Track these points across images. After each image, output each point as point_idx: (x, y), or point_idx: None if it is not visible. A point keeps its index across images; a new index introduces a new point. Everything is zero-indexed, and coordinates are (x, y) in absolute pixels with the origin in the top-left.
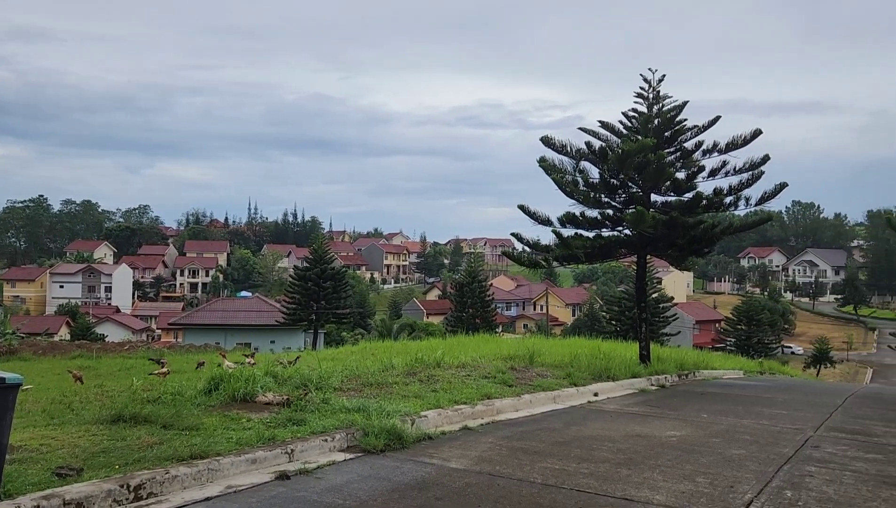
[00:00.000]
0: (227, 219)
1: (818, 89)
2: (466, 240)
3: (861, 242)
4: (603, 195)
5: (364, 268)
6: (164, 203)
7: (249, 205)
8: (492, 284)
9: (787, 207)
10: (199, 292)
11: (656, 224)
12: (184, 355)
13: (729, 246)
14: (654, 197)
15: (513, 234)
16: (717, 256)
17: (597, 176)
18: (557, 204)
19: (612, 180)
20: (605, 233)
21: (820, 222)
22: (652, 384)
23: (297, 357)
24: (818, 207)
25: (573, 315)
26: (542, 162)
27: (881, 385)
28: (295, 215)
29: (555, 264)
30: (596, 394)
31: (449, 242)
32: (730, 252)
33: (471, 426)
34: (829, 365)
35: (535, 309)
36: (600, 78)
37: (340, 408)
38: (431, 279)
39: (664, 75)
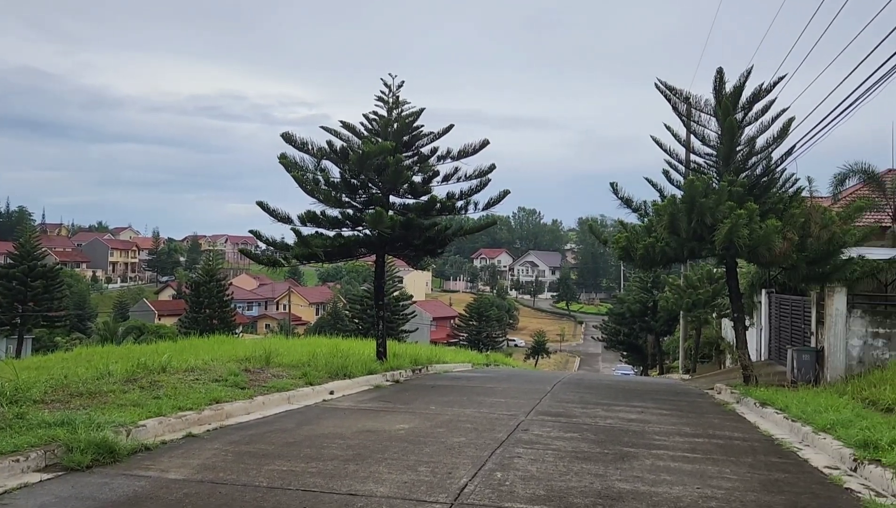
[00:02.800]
0: None
1: (541, 107)
2: (206, 237)
3: (573, 245)
4: (344, 195)
5: (85, 265)
6: None
7: None
8: (231, 283)
9: (513, 212)
10: None
11: (394, 225)
12: None
13: (464, 247)
14: (393, 199)
15: (251, 231)
16: (454, 256)
17: (338, 176)
18: (305, 202)
19: (352, 181)
20: (346, 232)
21: (540, 226)
22: (387, 380)
23: None
24: (539, 213)
25: (317, 314)
26: (283, 159)
27: (584, 372)
28: None
29: (294, 262)
30: (332, 392)
31: (186, 238)
32: (464, 253)
33: (196, 433)
34: (545, 356)
35: (278, 309)
36: (348, 79)
37: (39, 423)
38: (165, 278)
39: (403, 81)
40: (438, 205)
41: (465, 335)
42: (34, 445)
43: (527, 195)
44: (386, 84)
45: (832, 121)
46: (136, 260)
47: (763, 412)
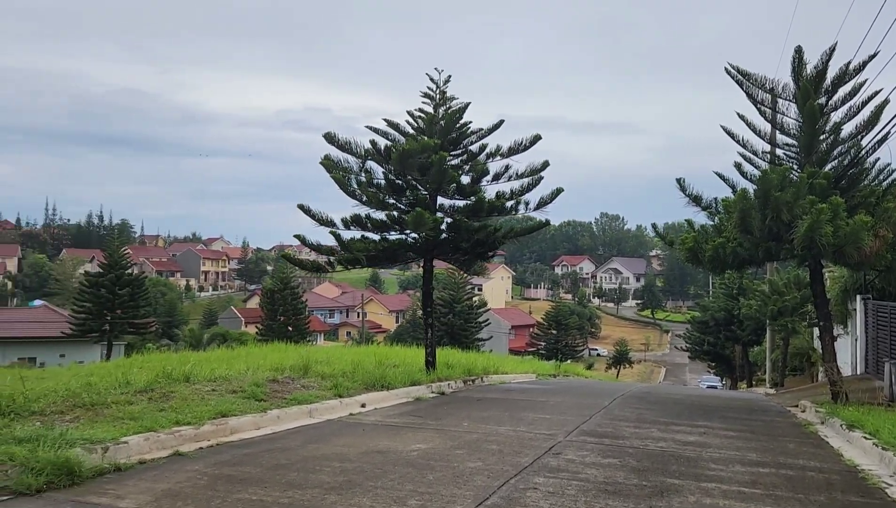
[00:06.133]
0: (19, 220)
1: (622, 112)
2: (292, 246)
3: (658, 251)
4: (388, 197)
5: (179, 275)
6: None
7: (47, 206)
8: (313, 291)
9: (595, 218)
10: None
11: (437, 227)
12: None
13: (545, 255)
14: (441, 200)
15: (296, 236)
16: (534, 264)
17: (382, 177)
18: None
19: (397, 181)
20: (392, 236)
21: (624, 232)
22: (432, 392)
23: None
24: (623, 218)
25: (397, 322)
26: (326, 161)
27: (652, 385)
28: (101, 218)
29: (340, 268)
30: (363, 405)
31: (273, 248)
32: (545, 260)
33: (185, 451)
34: (628, 365)
35: (358, 316)
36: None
37: (9, 439)
38: (253, 287)
39: (450, 76)
40: (487, 205)
41: (544, 343)
42: None
43: (610, 201)
44: (432, 79)
45: None
46: (227, 269)
47: (850, 436)
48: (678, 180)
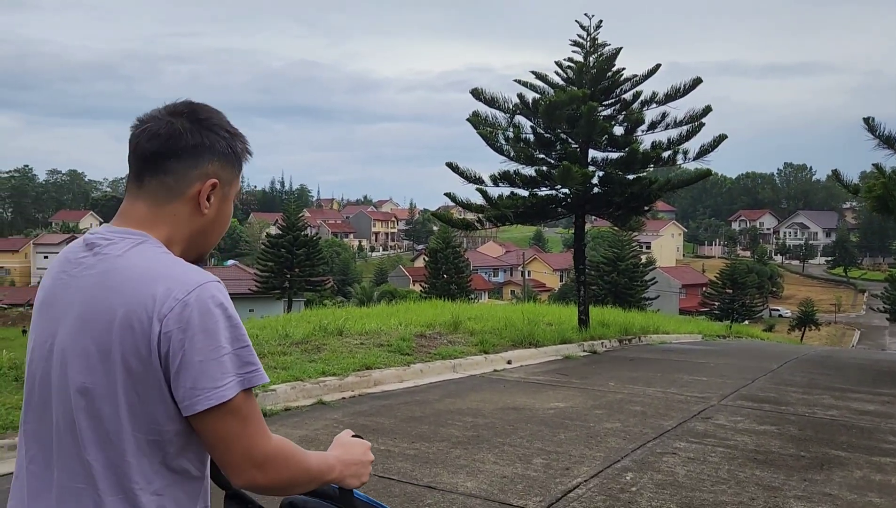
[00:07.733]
0: None
1: (811, 50)
2: (457, 207)
3: (853, 204)
4: (537, 151)
5: (352, 236)
6: None
7: None
8: (467, 250)
9: (778, 169)
10: None
11: (587, 181)
12: None
13: (720, 209)
14: (593, 153)
15: (446, 194)
16: (708, 219)
17: (531, 131)
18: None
19: (546, 135)
20: (542, 192)
21: (812, 184)
22: (583, 351)
23: None
24: (810, 168)
25: (561, 281)
26: (473, 117)
27: (835, 349)
28: (282, 184)
29: (489, 225)
30: (509, 362)
31: (439, 208)
32: (721, 215)
33: (327, 400)
34: (814, 328)
35: (522, 275)
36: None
37: None
38: (420, 246)
39: (601, 21)
40: (641, 157)
41: (717, 303)
42: None
43: (795, 150)
44: (582, 26)
45: None
46: (395, 230)
47: None
48: (866, 120)
